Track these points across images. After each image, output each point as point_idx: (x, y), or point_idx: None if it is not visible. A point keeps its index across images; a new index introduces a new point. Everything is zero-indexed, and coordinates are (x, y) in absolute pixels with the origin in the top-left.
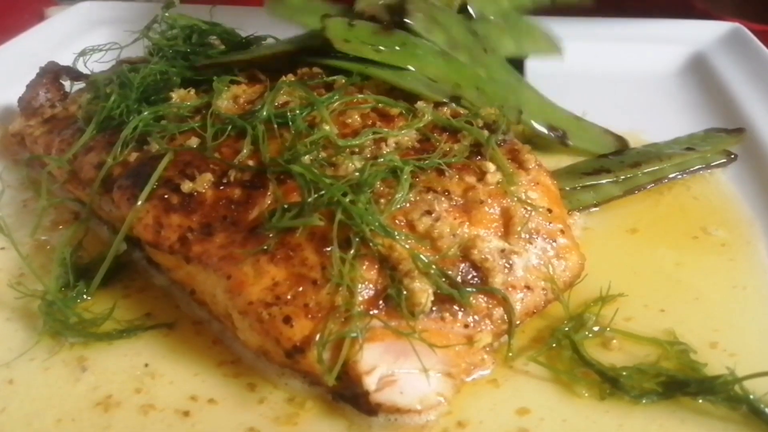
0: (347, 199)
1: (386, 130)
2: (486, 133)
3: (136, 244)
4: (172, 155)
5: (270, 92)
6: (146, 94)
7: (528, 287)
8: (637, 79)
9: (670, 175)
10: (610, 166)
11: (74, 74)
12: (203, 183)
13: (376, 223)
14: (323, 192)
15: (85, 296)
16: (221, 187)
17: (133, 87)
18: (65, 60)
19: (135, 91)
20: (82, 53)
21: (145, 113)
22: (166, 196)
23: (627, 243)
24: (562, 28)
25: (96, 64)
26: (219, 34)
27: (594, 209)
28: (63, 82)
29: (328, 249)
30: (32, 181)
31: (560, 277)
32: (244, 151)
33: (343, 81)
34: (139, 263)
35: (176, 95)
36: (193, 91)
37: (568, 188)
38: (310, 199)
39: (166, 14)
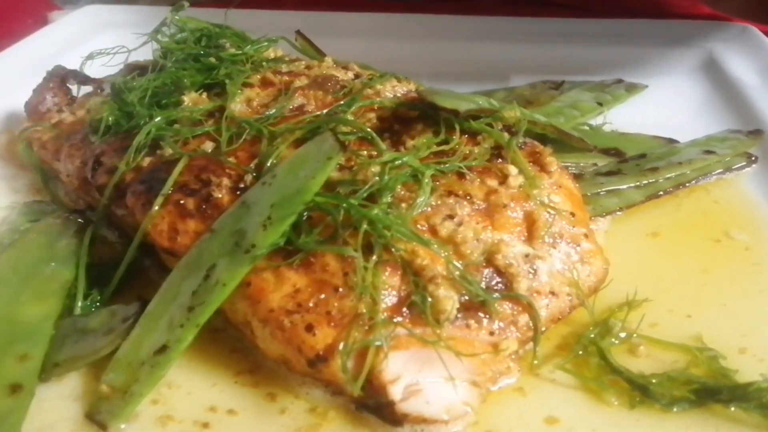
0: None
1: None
2: (506, 135)
3: (147, 251)
4: (187, 160)
5: (284, 95)
6: (157, 98)
7: (553, 293)
8: (648, 81)
9: (692, 180)
10: (628, 171)
11: (81, 78)
12: (220, 187)
13: (402, 229)
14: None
15: (99, 304)
16: (238, 192)
17: (145, 91)
18: (70, 64)
19: (146, 96)
20: (90, 57)
21: (158, 118)
22: (181, 202)
23: (649, 247)
24: (571, 29)
25: (103, 68)
26: (229, 38)
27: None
28: (70, 86)
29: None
30: (39, 187)
31: (585, 282)
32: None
33: (360, 85)
34: (151, 270)
35: (188, 99)
36: (205, 95)
37: (590, 193)
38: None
39: (176, 17)
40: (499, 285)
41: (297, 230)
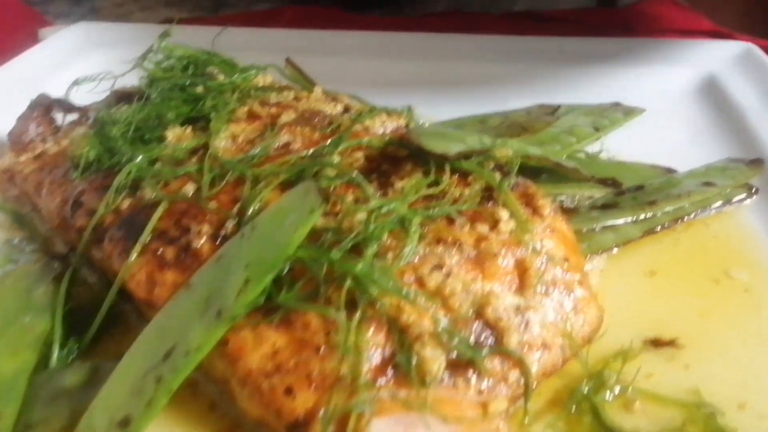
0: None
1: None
2: (498, 175)
3: (128, 295)
4: (167, 205)
5: (270, 131)
6: (141, 131)
7: (545, 345)
8: (645, 102)
9: (691, 214)
10: (624, 204)
11: (66, 107)
12: (200, 235)
13: (388, 284)
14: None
15: (76, 355)
16: (218, 241)
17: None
18: (60, 84)
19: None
20: (76, 83)
21: (139, 158)
22: (159, 251)
23: (646, 288)
24: (564, 47)
25: (90, 94)
26: (217, 65)
27: (613, 251)
28: (55, 116)
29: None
30: (22, 222)
31: (578, 332)
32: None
33: (349, 122)
34: (131, 316)
35: (172, 134)
36: (189, 129)
37: (585, 229)
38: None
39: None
40: (489, 339)
41: (278, 284)
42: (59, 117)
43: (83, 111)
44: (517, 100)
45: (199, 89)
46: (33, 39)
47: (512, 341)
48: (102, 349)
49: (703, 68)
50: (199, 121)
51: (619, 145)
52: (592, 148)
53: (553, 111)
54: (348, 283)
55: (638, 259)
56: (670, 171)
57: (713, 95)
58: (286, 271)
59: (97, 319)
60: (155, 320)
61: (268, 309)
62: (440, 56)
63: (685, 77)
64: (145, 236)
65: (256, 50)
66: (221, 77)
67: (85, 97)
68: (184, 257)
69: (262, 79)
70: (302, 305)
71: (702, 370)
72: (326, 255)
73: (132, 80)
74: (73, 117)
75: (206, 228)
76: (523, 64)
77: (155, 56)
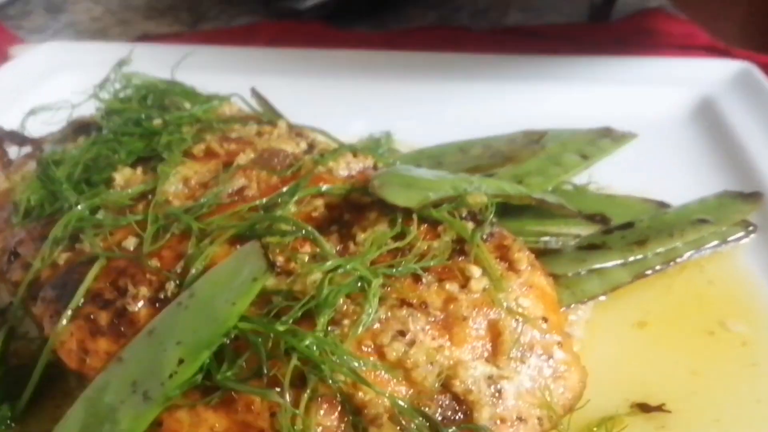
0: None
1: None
2: (471, 225)
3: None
4: (104, 262)
5: (223, 174)
6: (89, 173)
7: (520, 418)
8: (637, 126)
9: (684, 256)
10: (612, 244)
11: (18, 140)
12: (137, 298)
13: (344, 359)
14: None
15: (10, 422)
16: (157, 305)
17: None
18: (26, 108)
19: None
20: (31, 112)
21: (79, 207)
22: (92, 316)
23: (635, 342)
24: (551, 67)
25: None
26: (178, 95)
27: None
28: (7, 149)
29: (278, 390)
30: None
31: (559, 400)
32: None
33: (311, 163)
34: (71, 378)
35: (120, 176)
36: (140, 170)
37: (570, 273)
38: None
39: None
40: (458, 415)
41: (219, 358)
42: (13, 150)
43: (37, 143)
44: (503, 123)
45: (157, 122)
46: (3, 58)
47: (483, 416)
48: (39, 413)
49: (699, 89)
50: (152, 159)
51: (609, 175)
52: (579, 178)
53: (539, 138)
54: (294, 360)
55: (627, 308)
56: (662, 205)
57: (709, 119)
58: (228, 342)
59: (29, 387)
60: (84, 396)
61: (207, 387)
62: (424, 75)
63: (679, 99)
64: (78, 299)
65: (230, 71)
66: (182, 107)
67: (44, 127)
68: (119, 323)
69: (227, 108)
70: (241, 386)
71: None
72: (271, 327)
73: (92, 108)
74: (27, 149)
75: (144, 290)
76: (510, 83)
77: (113, 85)
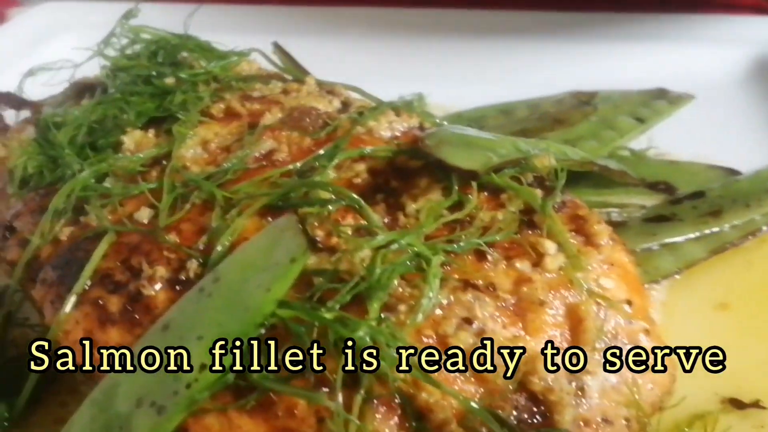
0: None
1: None
2: (539, 192)
3: None
4: (114, 237)
5: (248, 136)
6: (94, 136)
7: (606, 420)
8: (693, 88)
9: (763, 228)
10: (684, 216)
11: (15, 103)
12: (154, 280)
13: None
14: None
15: (7, 423)
16: (177, 287)
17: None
18: (22, 72)
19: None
20: (30, 73)
21: (84, 173)
22: (101, 301)
23: (718, 326)
24: (595, 25)
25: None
26: (192, 50)
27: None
28: (4, 112)
29: (326, 391)
30: None
31: (647, 397)
32: None
33: (348, 123)
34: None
35: (129, 139)
36: (152, 133)
37: (639, 249)
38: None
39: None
40: (536, 417)
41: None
42: (10, 114)
43: (36, 107)
44: (544, 85)
45: (169, 80)
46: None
47: (566, 418)
48: (42, 413)
49: (757, 48)
50: (165, 121)
51: (667, 140)
52: (636, 143)
53: (589, 99)
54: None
55: (706, 288)
56: (732, 172)
57: None
58: (265, 333)
59: (29, 382)
60: (91, 399)
61: (240, 388)
62: (454, 34)
63: (736, 58)
64: (83, 281)
65: (240, 31)
66: (196, 65)
67: (44, 89)
68: (133, 310)
69: (247, 67)
70: (282, 386)
71: None
72: (316, 314)
73: (96, 69)
74: (26, 113)
75: (161, 270)
76: (550, 42)
77: (119, 41)
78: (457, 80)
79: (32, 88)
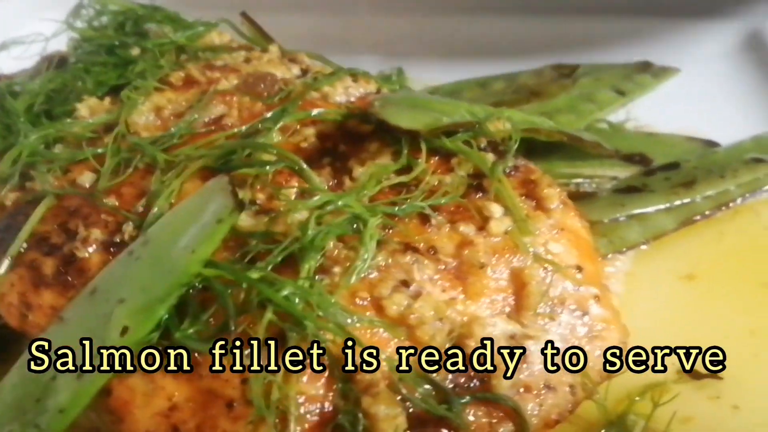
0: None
1: None
2: (491, 157)
3: None
4: (53, 200)
5: (199, 102)
6: (50, 104)
7: (548, 386)
8: (678, 62)
9: (737, 199)
10: (655, 186)
11: None
12: (88, 242)
13: (331, 317)
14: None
15: None
16: (112, 249)
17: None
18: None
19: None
20: (3, 47)
21: (32, 137)
22: (35, 264)
23: (683, 297)
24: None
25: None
26: (159, 21)
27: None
28: None
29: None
30: None
31: (595, 365)
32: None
33: (302, 87)
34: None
35: (84, 107)
36: (108, 100)
37: (607, 219)
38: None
39: None
40: (473, 382)
41: (181, 312)
42: None
43: (8, 79)
44: (527, 60)
45: (135, 51)
46: None
47: (503, 384)
48: None
49: (745, 21)
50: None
51: (649, 113)
52: (615, 116)
53: (570, 72)
54: (268, 316)
55: (673, 259)
56: (710, 144)
57: (758, 52)
58: (192, 294)
59: None
60: (22, 361)
61: (164, 347)
62: (436, 7)
63: (723, 31)
64: (19, 243)
65: (215, 5)
66: (164, 38)
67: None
68: (66, 272)
69: (218, 39)
70: (205, 345)
71: (754, 412)
72: (241, 274)
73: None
74: None
75: (97, 233)
76: (534, 15)
77: (88, 12)
78: (435, 54)
79: (5, 62)
